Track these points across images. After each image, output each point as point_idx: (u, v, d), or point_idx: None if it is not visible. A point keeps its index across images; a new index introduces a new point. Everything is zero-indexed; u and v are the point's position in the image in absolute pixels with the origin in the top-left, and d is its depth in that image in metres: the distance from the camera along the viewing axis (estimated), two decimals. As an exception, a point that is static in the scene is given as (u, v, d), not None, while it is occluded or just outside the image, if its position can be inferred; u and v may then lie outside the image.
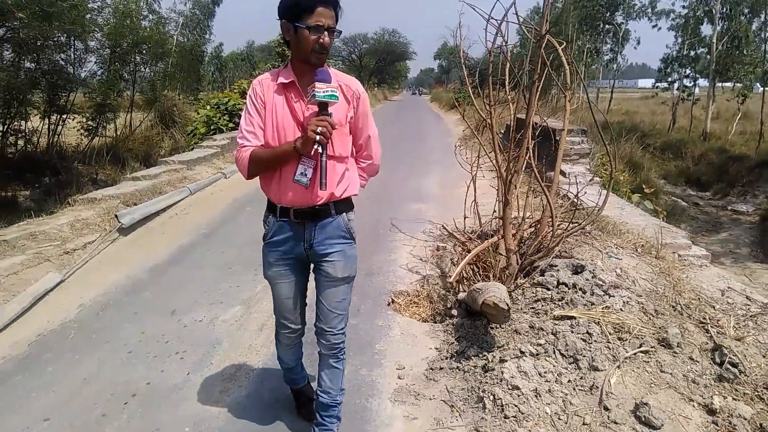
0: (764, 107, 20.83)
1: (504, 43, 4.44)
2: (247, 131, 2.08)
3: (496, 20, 4.25)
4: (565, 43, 4.22)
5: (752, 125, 22.72)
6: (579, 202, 4.80)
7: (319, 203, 2.12)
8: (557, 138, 4.87)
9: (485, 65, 4.61)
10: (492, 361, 2.84)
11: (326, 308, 2.27)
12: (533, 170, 4.40)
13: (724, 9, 23.41)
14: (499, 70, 4.67)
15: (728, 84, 26.26)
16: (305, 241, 2.17)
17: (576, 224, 4.26)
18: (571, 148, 8.73)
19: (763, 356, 2.73)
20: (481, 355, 2.97)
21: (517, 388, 2.53)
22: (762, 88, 24.30)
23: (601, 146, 9.46)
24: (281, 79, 2.06)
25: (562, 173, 7.26)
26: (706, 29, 24.91)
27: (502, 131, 9.57)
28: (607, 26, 30.03)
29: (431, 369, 3.03)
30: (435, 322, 3.70)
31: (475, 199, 4.99)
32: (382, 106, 38.15)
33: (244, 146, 2.07)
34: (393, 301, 4.06)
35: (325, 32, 1.96)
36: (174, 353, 3.35)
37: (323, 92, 1.93)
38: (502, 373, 2.64)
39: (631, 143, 16.26)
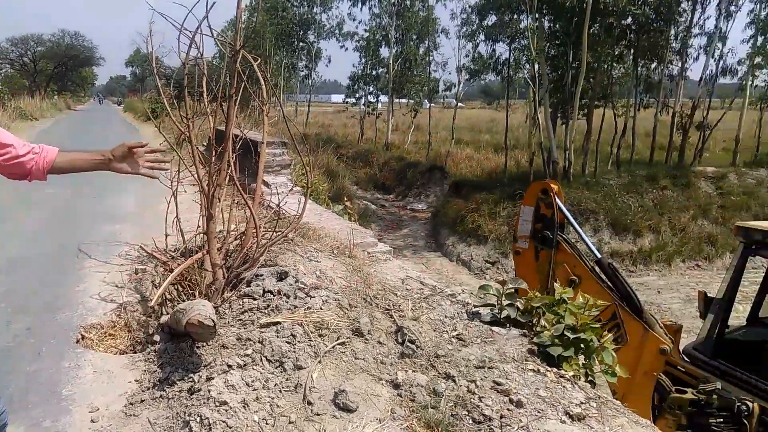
0: (430, 120, 24.82)
1: (200, 55, 4.35)
2: None
3: (189, 31, 4.14)
4: (259, 59, 4.34)
5: (423, 136, 26.88)
6: (283, 212, 5.00)
7: None
8: (258, 150, 4.99)
9: (182, 76, 4.45)
10: (198, 381, 2.75)
11: None
12: (236, 183, 4.41)
13: (398, 34, 27.17)
14: (197, 81, 4.56)
15: (404, 100, 30.54)
16: None
17: (279, 233, 4.42)
18: (273, 160, 9.03)
19: (434, 330, 3.24)
20: (186, 378, 2.85)
21: (225, 403, 2.50)
22: (429, 104, 28.95)
23: (302, 157, 10.03)
24: None
25: (266, 184, 7.46)
26: (385, 51, 28.54)
27: (205, 144, 9.37)
28: (301, 44, 31.94)
29: (131, 404, 2.79)
30: (135, 352, 3.42)
31: (177, 216, 4.77)
32: (65, 116, 33.72)
33: None
34: (83, 337, 3.61)
35: None
36: None
37: None
38: (209, 391, 2.58)
39: (328, 153, 17.61)
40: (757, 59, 18.41)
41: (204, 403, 2.54)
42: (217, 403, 2.50)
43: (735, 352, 6.17)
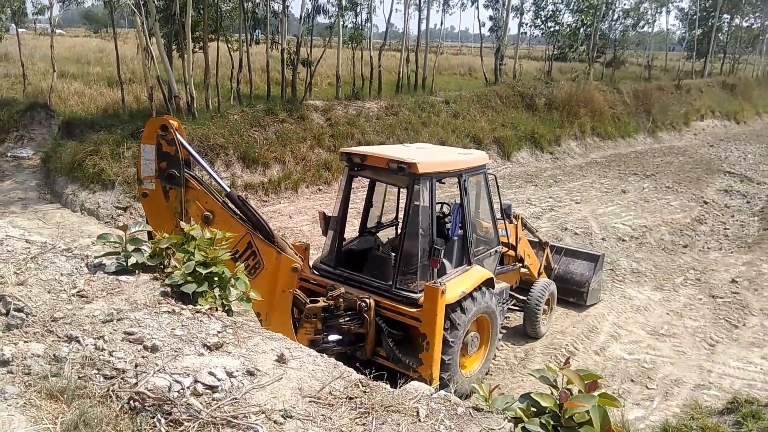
0: (22, 49, 20.69)
1: None
2: None
3: None
4: None
5: (15, 68, 22.29)
6: None
7: None
8: None
9: None
10: None
11: None
12: None
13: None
14: None
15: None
16: None
17: None
18: None
19: (48, 292, 2.82)
20: None
21: None
22: (17, 30, 23.94)
23: None
24: None
25: None
26: None
27: None
28: None
29: None
30: None
31: None
32: None
33: None
34: None
35: None
36: None
37: None
38: None
39: None
40: (344, 1, 20.85)
41: None
42: None
43: (352, 260, 7.28)
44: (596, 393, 2.18)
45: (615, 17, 34.56)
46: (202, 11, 16.12)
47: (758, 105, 37.86)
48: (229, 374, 2.31)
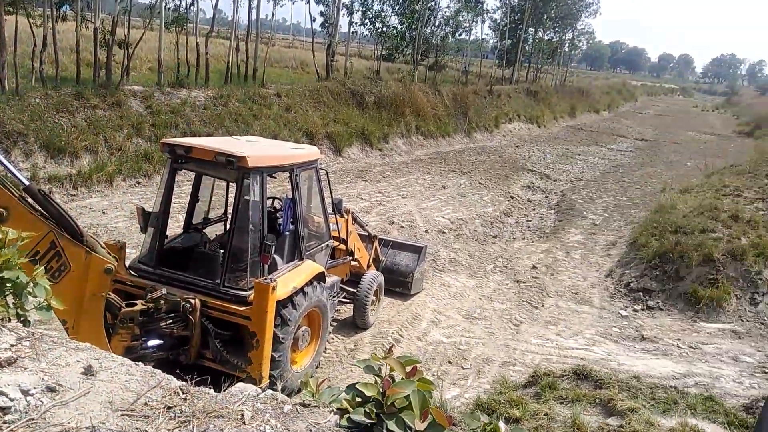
0: None
1: None
2: None
3: None
4: None
5: None
6: None
7: None
8: None
9: None
10: None
11: None
12: None
13: None
14: None
15: None
16: None
17: None
18: None
19: None
20: None
21: None
22: None
23: None
24: None
25: None
26: None
27: None
28: None
29: None
30: None
31: None
32: None
33: None
34: None
35: None
36: None
37: None
38: None
39: None
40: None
41: None
42: None
43: (175, 259, 6.88)
44: (415, 378, 2.33)
45: (437, 23, 36.90)
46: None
47: (556, 111, 43.04)
48: (25, 392, 2.06)
